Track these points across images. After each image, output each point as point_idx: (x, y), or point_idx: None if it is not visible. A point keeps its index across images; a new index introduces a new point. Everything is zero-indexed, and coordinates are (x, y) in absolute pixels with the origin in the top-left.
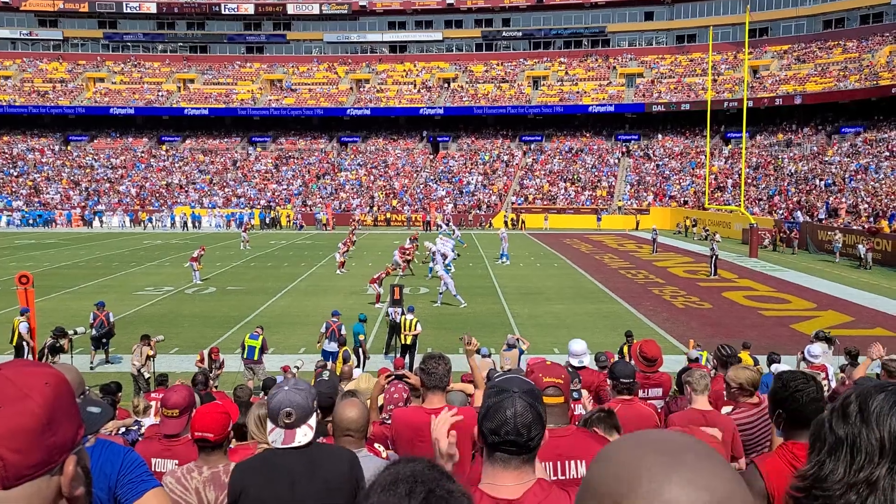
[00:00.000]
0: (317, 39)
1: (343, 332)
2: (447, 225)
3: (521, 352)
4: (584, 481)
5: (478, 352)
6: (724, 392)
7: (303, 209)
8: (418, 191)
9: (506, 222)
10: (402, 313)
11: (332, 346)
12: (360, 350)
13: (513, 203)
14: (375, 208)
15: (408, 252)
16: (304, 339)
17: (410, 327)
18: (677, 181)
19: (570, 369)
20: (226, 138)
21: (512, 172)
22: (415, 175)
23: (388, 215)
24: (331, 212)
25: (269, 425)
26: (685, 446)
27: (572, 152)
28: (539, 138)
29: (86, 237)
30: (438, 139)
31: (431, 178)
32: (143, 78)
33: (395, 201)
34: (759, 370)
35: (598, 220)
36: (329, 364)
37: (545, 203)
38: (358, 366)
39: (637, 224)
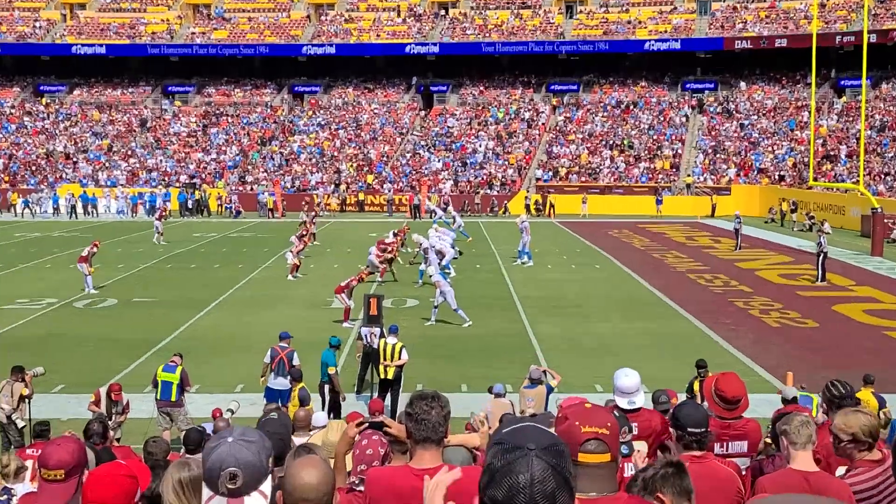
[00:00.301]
0: None
1: (296, 362)
2: (445, 211)
3: (550, 389)
4: None
5: (490, 390)
6: (833, 445)
7: (240, 188)
8: (404, 162)
9: (527, 207)
10: (381, 335)
11: (280, 383)
12: (331, 389)
13: (537, 180)
14: (343, 187)
15: (389, 249)
16: (243, 371)
17: (392, 355)
18: (769, 148)
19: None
20: (131, 88)
21: (536, 136)
22: (399, 140)
23: (362, 196)
24: (280, 192)
25: (206, 492)
26: None
27: (621, 107)
28: (574, 88)
29: None
30: (432, 89)
31: (422, 143)
32: (11, 3)
33: (370, 177)
34: (886, 414)
35: (658, 203)
36: (279, 407)
37: (583, 180)
38: (328, 410)
39: (713, 209)
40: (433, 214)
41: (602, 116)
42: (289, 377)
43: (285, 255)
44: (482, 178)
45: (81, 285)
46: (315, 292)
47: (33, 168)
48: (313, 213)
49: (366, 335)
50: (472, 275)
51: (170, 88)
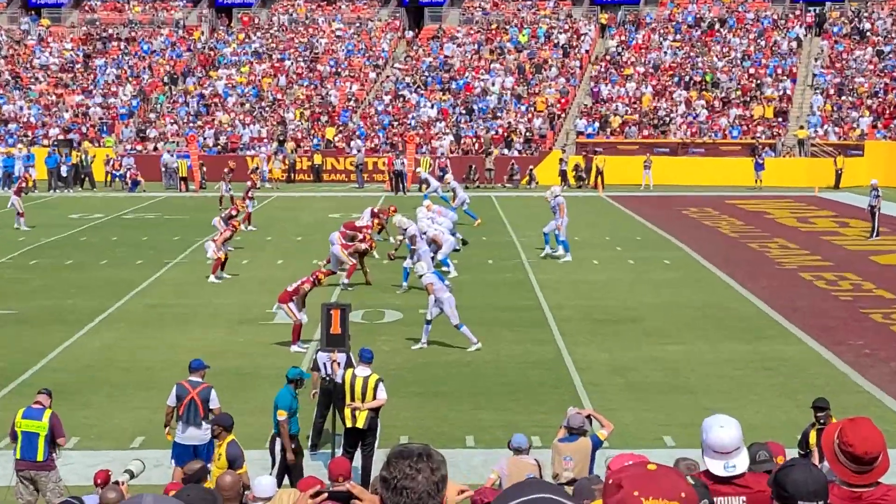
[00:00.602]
0: None
1: (215, 404)
2: (441, 181)
3: (597, 443)
4: None
5: (508, 444)
6: None
7: (138, 148)
8: (381, 108)
9: (563, 174)
10: (348, 364)
11: (193, 436)
12: (279, 441)
13: (578, 135)
14: (291, 146)
15: (361, 236)
16: (143, 417)
17: (364, 393)
18: None
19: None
20: None
21: (576, 71)
22: (374, 76)
23: (319, 160)
24: (197, 153)
25: None
26: None
27: (702, 27)
28: None
29: None
30: (422, 1)
31: (408, 81)
32: None
33: (331, 131)
34: None
35: (758, 167)
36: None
37: (646, 135)
38: (278, 475)
39: (838, 177)
40: (425, 186)
41: (673, 41)
42: (207, 426)
43: (205, 247)
44: (496, 133)
45: None
46: (249, 301)
47: None
48: (249, 185)
49: (324, 364)
50: (482, 274)
51: (34, 2)
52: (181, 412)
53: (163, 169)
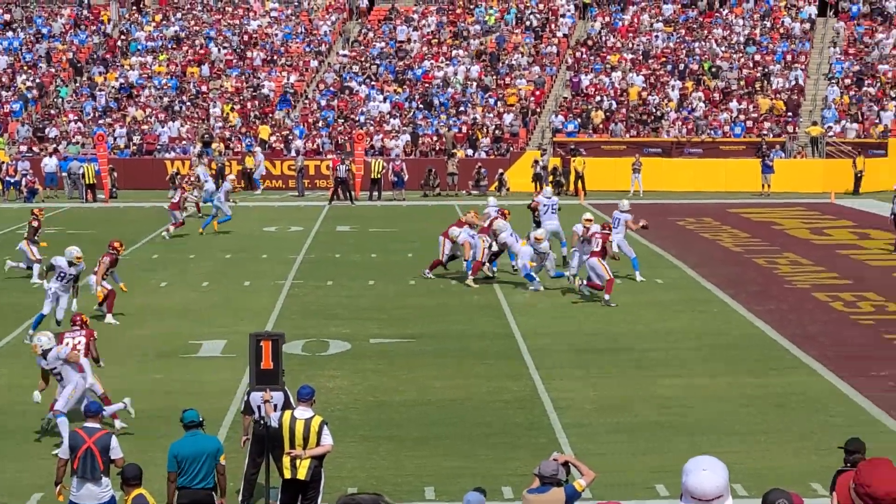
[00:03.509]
0: None
1: (116, 454)
2: (395, 187)
3: (572, 494)
4: None
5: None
6: None
7: (35, 150)
8: (323, 103)
9: (538, 178)
10: (285, 405)
11: (90, 493)
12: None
13: (556, 133)
14: (219, 146)
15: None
16: (42, 470)
17: (306, 439)
18: None
19: None
20: None
21: (553, 57)
22: (316, 65)
23: (250, 163)
24: (106, 157)
25: None
26: None
27: (699, 5)
28: None
29: None
30: None
31: (354, 70)
32: None
33: (265, 130)
34: None
35: (766, 170)
36: None
37: (634, 133)
38: None
39: (857, 179)
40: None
41: (665, 23)
42: (107, 482)
43: (88, 282)
44: (460, 131)
45: None
46: (167, 331)
47: None
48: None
49: (256, 405)
50: (445, 298)
51: None
52: (75, 466)
53: (66, 176)
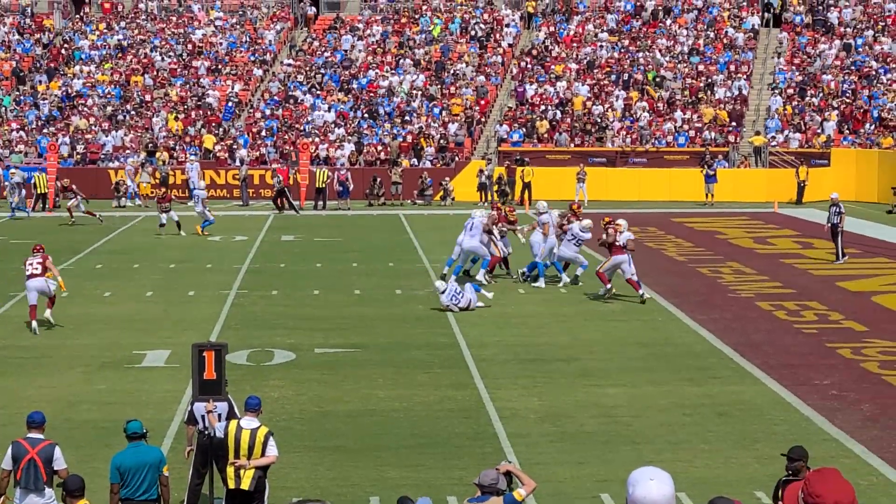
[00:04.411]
0: None
1: (60, 464)
2: (341, 196)
3: None
4: None
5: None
6: None
7: None
8: (268, 112)
9: (483, 188)
10: (230, 415)
11: None
12: None
13: (501, 142)
14: (163, 157)
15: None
16: None
17: (251, 449)
18: None
19: None
20: None
21: (498, 67)
22: (260, 74)
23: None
24: (55, 165)
25: None
26: None
27: (643, 15)
28: None
29: None
30: None
31: (299, 79)
32: None
33: (210, 139)
34: None
35: (709, 180)
36: None
37: (579, 142)
38: None
39: (801, 189)
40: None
41: (610, 33)
42: (51, 493)
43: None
44: (405, 140)
45: None
46: (111, 340)
47: None
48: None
49: (200, 415)
50: (390, 308)
51: None
52: (18, 476)
53: (9, 186)
